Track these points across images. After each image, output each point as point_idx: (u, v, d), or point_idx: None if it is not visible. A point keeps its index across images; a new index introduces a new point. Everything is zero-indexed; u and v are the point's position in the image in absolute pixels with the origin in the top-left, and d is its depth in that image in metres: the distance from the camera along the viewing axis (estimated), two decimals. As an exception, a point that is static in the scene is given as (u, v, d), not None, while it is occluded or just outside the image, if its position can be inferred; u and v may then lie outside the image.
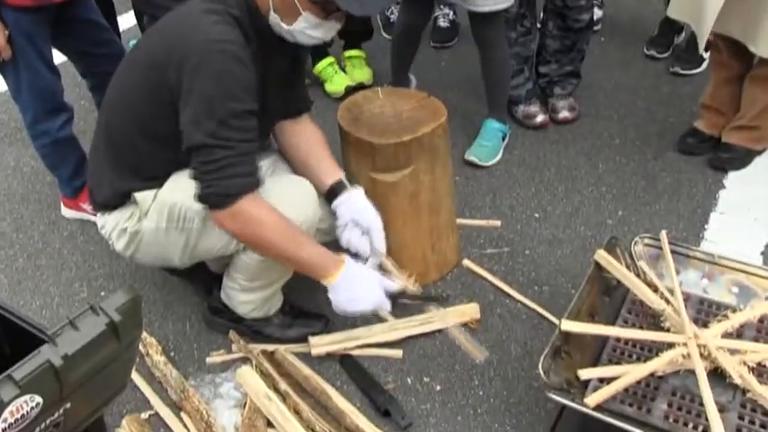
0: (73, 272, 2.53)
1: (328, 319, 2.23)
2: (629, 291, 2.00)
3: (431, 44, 3.80)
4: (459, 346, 2.17)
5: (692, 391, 1.73)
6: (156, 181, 1.93)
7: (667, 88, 3.40)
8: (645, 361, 1.79)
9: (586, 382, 1.76)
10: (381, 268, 2.04)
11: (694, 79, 3.41)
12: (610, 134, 3.12)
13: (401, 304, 2.07)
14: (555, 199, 2.77)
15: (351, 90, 3.29)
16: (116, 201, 1.98)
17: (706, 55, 3.36)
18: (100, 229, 2.08)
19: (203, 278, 2.30)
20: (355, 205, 2.02)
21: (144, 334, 2.16)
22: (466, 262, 2.45)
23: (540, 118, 3.14)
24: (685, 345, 1.77)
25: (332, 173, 2.07)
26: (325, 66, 3.43)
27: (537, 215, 2.70)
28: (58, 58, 2.47)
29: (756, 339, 1.86)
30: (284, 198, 1.88)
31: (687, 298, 1.98)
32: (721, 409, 1.65)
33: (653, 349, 1.85)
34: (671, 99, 3.32)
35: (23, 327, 1.44)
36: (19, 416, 1.29)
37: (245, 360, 2.12)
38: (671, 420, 1.68)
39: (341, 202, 2.02)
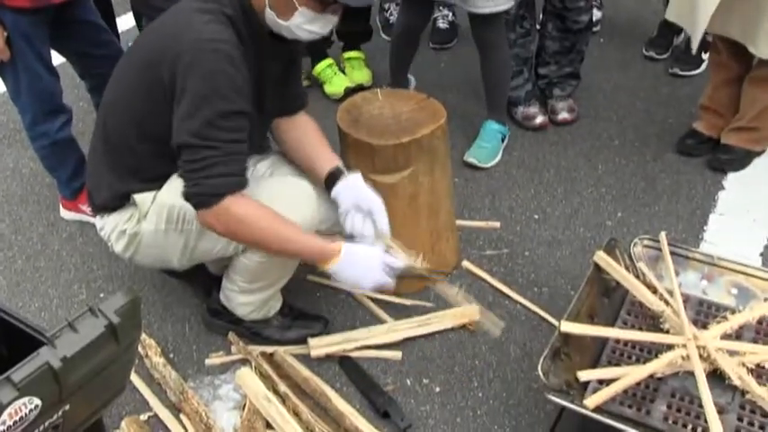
0: (72, 273, 2.53)
1: (327, 321, 2.23)
2: (628, 292, 2.00)
3: (430, 45, 3.80)
4: (457, 348, 2.17)
5: (692, 392, 1.73)
6: (155, 182, 1.93)
7: (666, 89, 3.40)
8: (644, 362, 1.79)
9: (586, 384, 1.76)
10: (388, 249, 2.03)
11: (693, 80, 3.41)
12: (609, 135, 3.12)
13: (403, 305, 2.07)
14: (554, 200, 2.77)
15: (350, 91, 3.29)
16: (115, 203, 1.98)
17: (705, 56, 3.36)
18: (99, 230, 2.08)
19: (202, 280, 2.30)
20: (355, 190, 2.01)
21: (143, 335, 2.16)
22: (465, 263, 2.45)
23: (539, 119, 3.15)
24: (684, 346, 1.78)
25: (329, 160, 2.06)
26: (324, 67, 3.43)
27: (536, 216, 2.70)
28: (57, 59, 2.47)
29: (755, 341, 1.87)
30: (283, 199, 1.88)
31: (686, 299, 1.98)
32: (720, 411, 1.65)
33: (652, 351, 1.85)
34: (670, 100, 3.32)
35: (22, 329, 1.44)
36: (18, 418, 1.28)
37: (244, 362, 2.12)
38: (670, 422, 1.68)
39: (340, 189, 2.01)
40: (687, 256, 2.06)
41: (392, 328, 2.19)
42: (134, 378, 2.07)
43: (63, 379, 1.34)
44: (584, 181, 2.87)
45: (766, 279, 1.98)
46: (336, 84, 3.41)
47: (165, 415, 1.99)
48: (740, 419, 1.68)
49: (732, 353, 1.78)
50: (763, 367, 1.78)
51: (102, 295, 2.43)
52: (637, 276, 2.02)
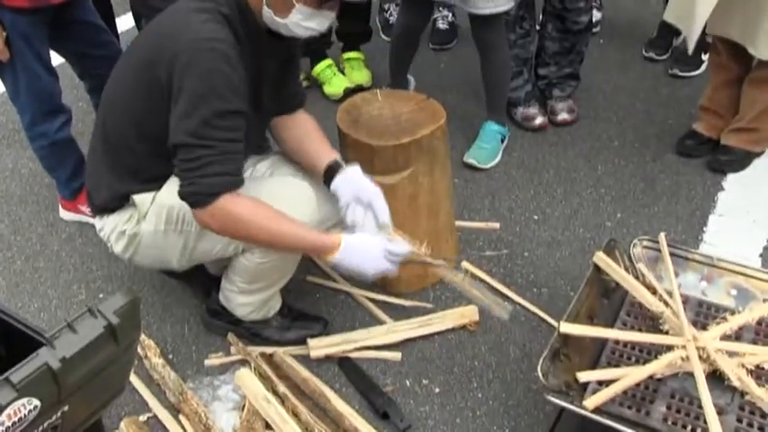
0: (71, 274, 2.53)
1: (327, 322, 2.23)
2: (627, 293, 2.00)
3: (430, 46, 3.80)
4: (457, 349, 2.17)
5: (691, 393, 1.73)
6: (155, 183, 1.93)
7: (666, 90, 3.41)
8: (644, 363, 1.79)
9: (585, 385, 1.76)
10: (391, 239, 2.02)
11: (693, 81, 3.41)
12: (608, 136, 3.12)
13: (401, 307, 2.07)
14: (554, 201, 2.77)
15: (349, 92, 3.29)
16: (114, 203, 1.98)
17: (705, 57, 3.37)
18: (98, 231, 2.07)
19: (202, 280, 2.30)
20: (354, 182, 2.00)
21: (142, 336, 2.16)
22: (465, 264, 2.45)
23: (538, 120, 3.15)
24: (684, 347, 1.77)
25: (327, 154, 2.06)
26: (323, 68, 3.43)
27: (536, 217, 2.70)
28: (56, 59, 2.47)
29: (755, 342, 1.87)
30: (283, 200, 1.88)
31: (686, 300, 1.98)
32: (720, 412, 1.65)
33: (652, 352, 1.85)
34: (670, 101, 3.32)
35: (21, 329, 1.44)
36: (17, 419, 1.28)
37: (243, 362, 2.12)
38: (670, 423, 1.68)
39: (339, 182, 2.01)
40: (687, 257, 2.06)
41: (391, 328, 2.19)
42: (133, 379, 2.06)
43: (62, 380, 1.34)
44: (583, 182, 2.87)
45: (766, 280, 1.98)
46: (336, 84, 3.41)
47: (164, 416, 1.99)
48: (739, 420, 1.68)
49: (731, 354, 1.78)
50: (763, 368, 1.78)
51: (101, 296, 2.43)
52: (636, 277, 2.02)
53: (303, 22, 1.82)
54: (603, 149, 3.04)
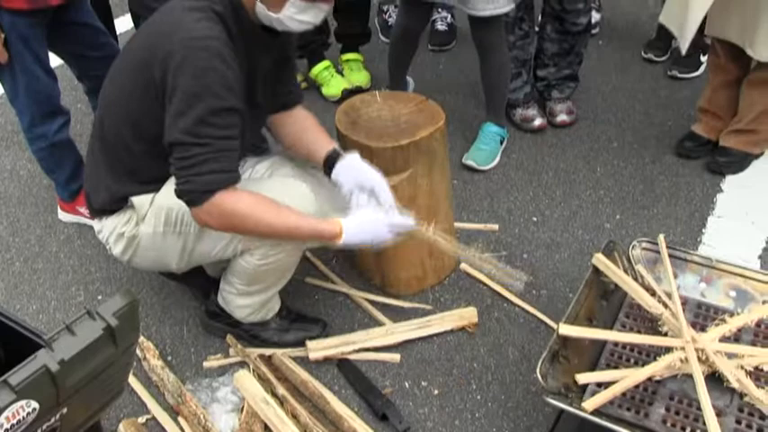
0: (70, 276, 2.53)
1: (326, 324, 2.23)
2: (626, 295, 2.00)
3: (429, 47, 3.80)
4: (456, 350, 2.17)
5: (690, 395, 1.73)
6: (153, 185, 1.93)
7: (665, 92, 3.41)
8: (643, 365, 1.79)
9: (584, 387, 1.76)
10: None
11: (692, 83, 3.42)
12: (608, 137, 3.12)
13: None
14: (553, 203, 2.77)
15: (347, 93, 3.29)
16: (113, 205, 1.97)
17: (704, 59, 3.37)
18: (97, 233, 2.07)
19: (201, 282, 2.30)
20: (354, 169, 2.01)
21: (141, 338, 2.16)
22: (464, 266, 2.45)
23: (537, 121, 3.15)
24: (683, 349, 1.78)
25: (325, 145, 2.08)
26: (320, 69, 3.42)
27: (535, 219, 2.70)
28: (55, 61, 2.47)
29: (754, 343, 1.87)
30: (282, 200, 1.88)
31: (685, 302, 1.98)
32: (719, 414, 1.65)
33: (651, 353, 1.85)
34: (669, 102, 3.33)
35: (20, 331, 1.44)
36: (15, 421, 1.28)
37: (242, 364, 2.12)
38: (669, 425, 1.68)
39: (339, 170, 2.02)
40: (686, 258, 2.07)
41: (390, 330, 2.19)
42: (132, 380, 2.06)
43: (61, 382, 1.34)
44: (582, 183, 2.87)
45: (765, 282, 1.98)
46: (334, 86, 3.41)
47: (162, 417, 1.98)
48: (738, 422, 1.68)
49: (730, 355, 1.78)
50: (762, 370, 1.78)
51: (100, 298, 2.43)
52: (635, 279, 2.02)
53: (297, 16, 1.82)
54: (602, 151, 3.04)
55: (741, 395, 1.72)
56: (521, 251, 2.54)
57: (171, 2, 1.85)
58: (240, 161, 1.96)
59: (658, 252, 2.06)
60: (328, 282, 2.42)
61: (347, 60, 3.51)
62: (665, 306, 1.92)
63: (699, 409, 1.66)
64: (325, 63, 3.43)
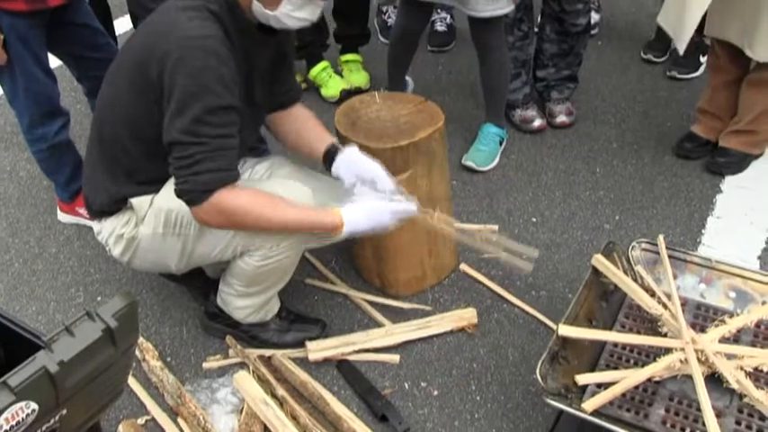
0: (69, 277, 2.52)
1: (325, 324, 2.23)
2: (626, 295, 2.00)
3: (428, 48, 3.80)
4: (455, 351, 2.17)
5: (690, 395, 1.73)
6: (152, 186, 1.93)
7: (664, 92, 3.41)
8: (642, 366, 1.79)
9: (584, 387, 1.76)
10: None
11: (691, 83, 3.42)
12: (607, 138, 3.12)
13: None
14: (552, 203, 2.77)
15: (346, 94, 3.29)
16: (112, 207, 1.97)
17: (703, 59, 3.37)
18: (96, 234, 2.07)
19: (200, 283, 2.30)
20: (354, 162, 2.02)
21: (140, 339, 2.16)
22: (463, 266, 2.45)
23: (537, 122, 3.15)
24: (683, 350, 1.78)
25: (324, 140, 2.09)
26: (319, 71, 3.42)
27: (534, 220, 2.70)
28: (54, 62, 2.47)
29: (753, 344, 1.87)
30: (281, 199, 1.88)
31: (684, 303, 1.98)
32: (718, 414, 1.65)
33: (650, 354, 1.85)
34: (668, 103, 3.33)
35: (19, 332, 1.44)
36: (14, 422, 1.28)
37: (242, 365, 2.12)
38: (668, 425, 1.68)
39: (339, 164, 2.03)
40: (685, 259, 2.07)
41: (390, 331, 2.19)
42: (131, 382, 2.06)
43: (60, 383, 1.33)
44: (582, 184, 2.87)
45: (764, 282, 1.98)
46: (332, 87, 3.41)
47: (162, 419, 1.98)
48: (738, 423, 1.68)
49: (730, 356, 1.78)
50: (761, 370, 1.78)
51: (99, 299, 2.43)
52: (635, 280, 2.02)
53: (293, 13, 1.82)
54: (602, 152, 3.04)
55: (741, 396, 1.72)
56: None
57: (167, 2, 1.85)
58: (239, 160, 1.96)
59: (658, 253, 2.06)
60: (328, 282, 2.42)
61: (346, 61, 3.50)
62: (665, 307, 1.92)
63: (698, 409, 1.66)
64: (324, 64, 3.43)
